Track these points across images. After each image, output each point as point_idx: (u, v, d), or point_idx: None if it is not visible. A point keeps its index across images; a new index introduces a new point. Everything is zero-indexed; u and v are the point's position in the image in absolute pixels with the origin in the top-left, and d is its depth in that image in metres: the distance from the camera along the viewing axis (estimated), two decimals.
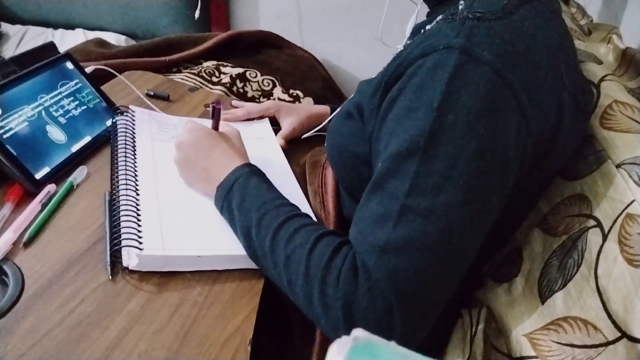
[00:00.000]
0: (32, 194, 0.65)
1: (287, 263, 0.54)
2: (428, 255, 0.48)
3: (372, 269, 0.49)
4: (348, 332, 0.53)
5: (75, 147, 0.74)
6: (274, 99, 1.15)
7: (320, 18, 1.61)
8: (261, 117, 0.95)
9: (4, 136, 0.66)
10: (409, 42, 0.69)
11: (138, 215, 0.63)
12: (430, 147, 0.49)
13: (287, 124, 0.92)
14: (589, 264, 0.53)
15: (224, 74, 1.15)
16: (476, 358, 0.63)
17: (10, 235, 0.58)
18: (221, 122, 0.72)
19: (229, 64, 1.19)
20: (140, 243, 0.59)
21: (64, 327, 0.51)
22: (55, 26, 1.68)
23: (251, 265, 0.62)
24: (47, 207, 0.64)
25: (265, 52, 1.32)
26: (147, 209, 0.64)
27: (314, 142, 0.93)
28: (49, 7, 1.67)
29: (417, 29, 0.67)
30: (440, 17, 0.58)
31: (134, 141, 0.77)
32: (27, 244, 0.59)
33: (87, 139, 0.77)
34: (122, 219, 0.61)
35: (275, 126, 0.94)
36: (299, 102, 1.20)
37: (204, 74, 1.13)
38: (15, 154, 0.66)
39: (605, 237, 0.53)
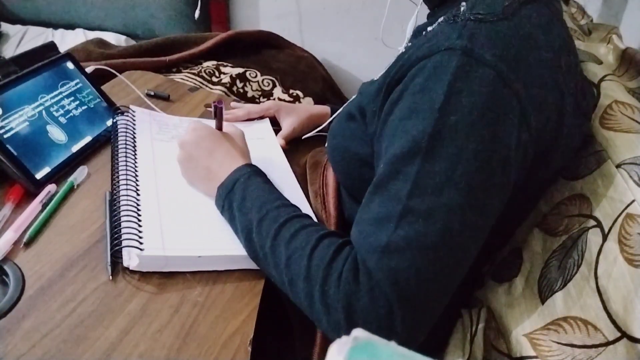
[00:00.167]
0: (33, 194, 0.65)
1: (288, 264, 0.54)
2: (429, 256, 0.48)
3: (373, 270, 0.49)
4: (349, 333, 0.53)
5: (75, 147, 0.74)
6: (274, 99, 1.16)
7: (320, 18, 1.61)
8: (261, 117, 0.95)
9: (5, 136, 0.66)
10: (410, 43, 0.69)
11: (138, 215, 0.63)
12: (432, 148, 0.49)
13: (288, 124, 0.92)
14: (589, 264, 0.53)
15: (224, 74, 1.15)
16: (476, 358, 0.63)
17: (10, 235, 0.58)
18: (225, 123, 0.72)
19: (229, 64, 1.19)
20: (141, 243, 0.59)
21: (65, 327, 0.51)
22: (55, 26, 1.68)
23: (251, 265, 0.63)
24: (48, 207, 0.64)
25: (265, 52, 1.32)
26: (148, 209, 0.64)
27: (315, 142, 0.93)
28: (49, 7, 1.67)
29: (419, 30, 0.67)
30: (441, 18, 0.58)
31: (135, 141, 0.77)
32: (28, 244, 0.59)
33: (87, 139, 0.77)
34: (122, 219, 0.61)
35: (276, 126, 0.94)
36: (299, 102, 1.20)
37: (204, 74, 1.13)
38: (15, 153, 0.66)
39: (605, 237, 0.53)
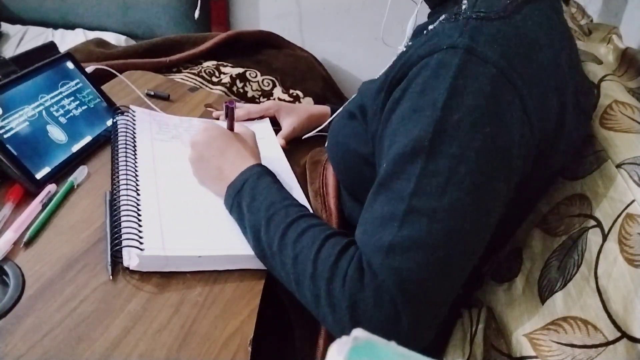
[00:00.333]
0: (33, 193, 0.65)
1: (295, 263, 0.54)
2: (433, 255, 0.48)
3: (377, 270, 0.49)
4: None
5: (75, 147, 0.74)
6: (274, 99, 1.16)
7: (320, 18, 1.61)
8: (261, 117, 0.95)
9: (5, 136, 0.66)
10: (410, 42, 0.69)
11: (139, 215, 0.63)
12: (435, 147, 0.49)
13: (288, 124, 0.92)
14: (589, 264, 0.53)
15: (224, 74, 1.15)
16: (476, 358, 0.63)
17: (10, 235, 0.58)
18: (235, 123, 0.73)
19: (229, 64, 1.19)
20: (141, 243, 0.59)
21: (65, 327, 0.51)
22: (55, 26, 1.68)
23: (251, 265, 0.63)
24: (48, 207, 0.64)
25: (265, 52, 1.32)
26: (148, 209, 0.64)
27: (315, 142, 0.93)
28: (49, 7, 1.67)
29: (420, 29, 0.67)
30: (443, 17, 0.58)
31: (135, 141, 0.77)
32: (28, 244, 0.59)
33: (87, 138, 0.77)
34: (122, 219, 0.61)
35: (276, 126, 0.94)
36: (299, 102, 1.20)
37: (204, 74, 1.13)
38: (15, 153, 0.66)
39: (605, 237, 0.53)
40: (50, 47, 0.83)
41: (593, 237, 0.55)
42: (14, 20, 1.68)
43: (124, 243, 0.58)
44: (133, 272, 0.58)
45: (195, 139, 0.71)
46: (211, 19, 1.66)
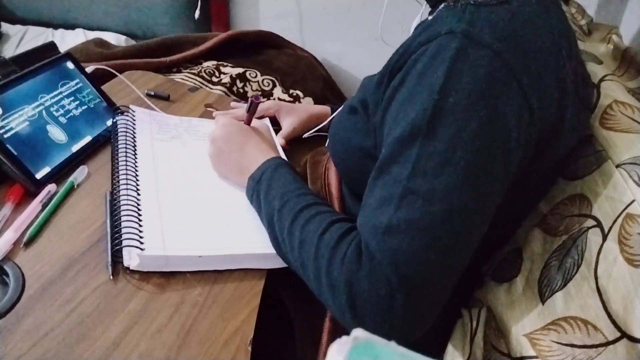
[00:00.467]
0: (33, 193, 0.65)
1: (301, 247, 0.56)
2: (429, 236, 0.48)
3: (374, 251, 0.49)
4: (351, 314, 0.53)
5: (75, 147, 0.74)
6: (274, 99, 1.16)
7: (320, 18, 1.61)
8: (261, 117, 0.95)
9: (5, 136, 0.66)
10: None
11: (139, 215, 0.63)
12: (431, 130, 0.50)
13: (288, 124, 0.92)
14: (589, 264, 0.53)
15: (224, 74, 1.15)
16: (476, 358, 0.63)
17: (10, 235, 0.58)
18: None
19: (229, 64, 1.19)
20: (142, 243, 0.59)
21: (65, 327, 0.51)
22: (55, 26, 1.68)
23: (252, 265, 0.63)
24: (48, 207, 0.64)
25: (265, 52, 1.32)
26: (148, 209, 0.64)
27: (315, 142, 0.93)
28: (49, 7, 1.67)
29: (421, 25, 0.67)
30: (442, 5, 0.58)
31: (135, 141, 0.77)
32: (28, 243, 0.59)
33: (87, 138, 0.77)
34: (123, 218, 0.61)
35: (276, 126, 0.94)
36: (299, 102, 1.20)
37: (204, 74, 1.14)
38: (15, 153, 0.66)
39: (605, 237, 0.53)
40: (50, 47, 0.83)
41: (593, 237, 0.55)
42: (14, 20, 1.69)
43: (124, 243, 0.58)
44: (133, 272, 0.58)
45: (215, 134, 0.74)
46: (211, 19, 1.66)
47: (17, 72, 0.73)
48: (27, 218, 0.61)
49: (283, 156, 0.83)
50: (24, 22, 1.69)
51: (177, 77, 1.11)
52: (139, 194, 0.66)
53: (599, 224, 0.55)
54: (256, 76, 1.18)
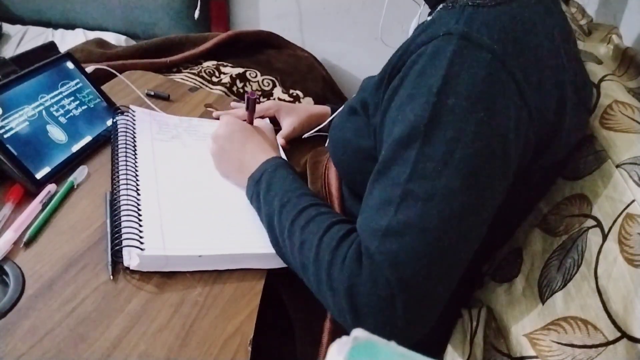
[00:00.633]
0: (33, 193, 0.65)
1: (301, 249, 0.56)
2: (429, 238, 0.48)
3: (374, 253, 0.49)
4: (352, 316, 0.53)
5: (75, 147, 0.74)
6: (274, 99, 1.16)
7: (320, 18, 1.61)
8: (261, 117, 0.95)
9: (5, 136, 0.66)
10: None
11: (139, 215, 0.63)
12: (430, 132, 0.50)
13: (288, 124, 0.92)
14: (589, 264, 0.53)
15: (224, 74, 1.15)
16: (476, 358, 0.63)
17: (10, 235, 0.58)
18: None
19: (229, 64, 1.19)
20: (142, 243, 0.59)
21: (65, 327, 0.51)
22: (55, 26, 1.68)
23: (252, 265, 0.63)
24: (48, 207, 0.64)
25: (265, 52, 1.32)
26: (148, 209, 0.64)
27: (315, 142, 0.93)
28: (49, 7, 1.67)
29: (419, 26, 0.67)
30: (441, 5, 0.58)
31: (135, 141, 0.77)
32: (28, 243, 0.59)
33: (87, 138, 0.77)
34: (123, 218, 0.61)
35: (276, 126, 0.94)
36: (299, 102, 1.20)
37: (204, 74, 1.14)
38: (15, 153, 0.66)
39: (605, 237, 0.53)
40: (50, 47, 0.83)
41: (593, 237, 0.55)
42: (14, 20, 1.69)
43: (125, 243, 0.58)
44: (133, 272, 0.58)
45: (217, 132, 0.74)
46: (211, 19, 1.67)
47: (17, 72, 0.73)
48: (27, 218, 0.61)
49: (283, 156, 0.83)
50: (24, 22, 1.69)
51: (177, 77, 1.11)
52: (139, 194, 0.66)
53: (599, 224, 0.55)
54: (256, 76, 1.18)
